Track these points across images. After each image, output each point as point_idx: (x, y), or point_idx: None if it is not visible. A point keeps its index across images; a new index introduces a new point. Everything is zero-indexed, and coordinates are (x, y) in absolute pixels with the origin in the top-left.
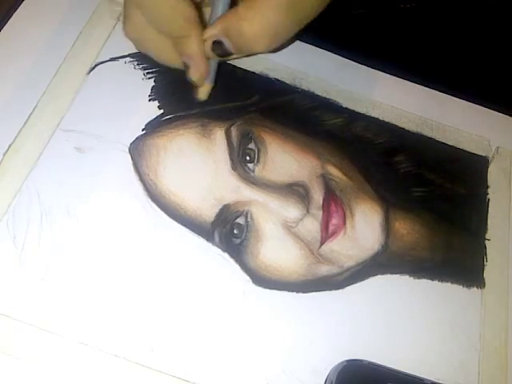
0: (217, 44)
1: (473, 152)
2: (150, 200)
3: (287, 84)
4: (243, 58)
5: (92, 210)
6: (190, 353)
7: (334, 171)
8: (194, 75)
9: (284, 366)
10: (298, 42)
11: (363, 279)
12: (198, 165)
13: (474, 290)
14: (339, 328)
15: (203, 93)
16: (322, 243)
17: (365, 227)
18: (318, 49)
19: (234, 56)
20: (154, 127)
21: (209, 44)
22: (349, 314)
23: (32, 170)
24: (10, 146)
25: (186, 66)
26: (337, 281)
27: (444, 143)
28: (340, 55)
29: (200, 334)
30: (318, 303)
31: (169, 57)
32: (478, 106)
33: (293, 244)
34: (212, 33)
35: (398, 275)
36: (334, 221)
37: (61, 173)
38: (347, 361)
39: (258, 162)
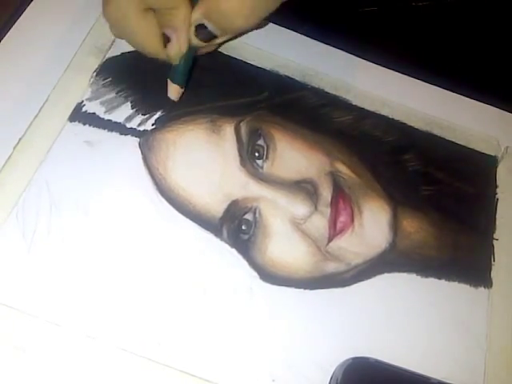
0: (200, 28)
1: (482, 151)
2: (159, 194)
3: (297, 81)
4: (253, 54)
5: (101, 203)
6: (197, 347)
7: (342, 168)
8: (172, 49)
9: (290, 362)
10: (308, 39)
11: (370, 277)
12: (207, 160)
13: (481, 289)
14: (345, 325)
15: (173, 93)
16: (329, 240)
17: (373, 225)
18: (328, 46)
19: (219, 40)
20: (164, 122)
21: (192, 30)
22: (355, 312)
23: (42, 164)
24: (20, 139)
25: (167, 40)
26: (344, 278)
27: (453, 142)
28: (350, 53)
29: (206, 329)
30: (325, 300)
31: (149, 41)
32: (487, 106)
33: (300, 241)
34: (194, 17)
35: (405, 274)
36: (342, 218)
37: (70, 166)
38: (353, 358)
39: (266, 158)
